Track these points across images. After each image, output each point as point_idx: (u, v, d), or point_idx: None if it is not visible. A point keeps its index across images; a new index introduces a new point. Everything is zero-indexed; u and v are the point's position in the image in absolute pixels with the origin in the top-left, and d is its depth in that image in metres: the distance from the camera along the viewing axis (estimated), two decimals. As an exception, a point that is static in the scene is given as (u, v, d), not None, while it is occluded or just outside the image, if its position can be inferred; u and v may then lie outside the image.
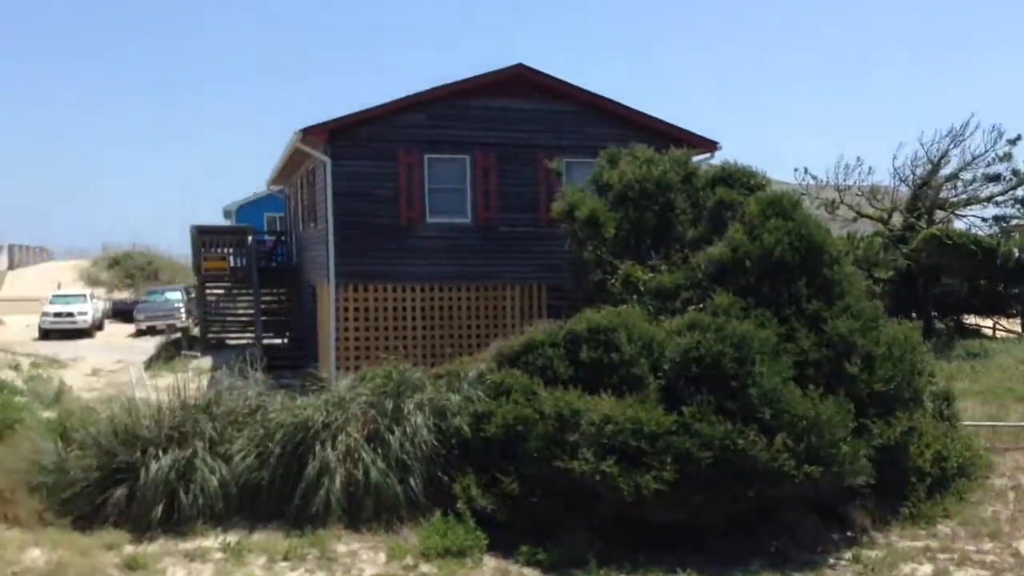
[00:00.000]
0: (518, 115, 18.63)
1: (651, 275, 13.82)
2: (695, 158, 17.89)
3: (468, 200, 18.51)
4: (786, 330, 11.88)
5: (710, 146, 19.28)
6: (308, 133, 17.81)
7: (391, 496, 11.09)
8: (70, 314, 36.56)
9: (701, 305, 12.41)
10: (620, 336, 11.56)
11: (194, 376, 18.77)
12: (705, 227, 14.55)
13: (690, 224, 14.99)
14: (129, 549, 10.14)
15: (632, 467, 10.34)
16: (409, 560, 10.27)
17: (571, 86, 18.74)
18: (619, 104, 18.90)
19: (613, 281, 14.08)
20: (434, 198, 18.33)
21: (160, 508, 10.70)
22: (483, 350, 14.59)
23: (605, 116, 18.91)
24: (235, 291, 27.22)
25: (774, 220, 12.74)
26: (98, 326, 38.72)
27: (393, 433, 11.46)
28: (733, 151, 43.89)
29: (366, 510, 11.02)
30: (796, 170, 20.10)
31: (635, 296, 13.50)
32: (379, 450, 11.35)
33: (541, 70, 18.55)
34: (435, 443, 11.52)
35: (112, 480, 11.03)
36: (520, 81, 18.50)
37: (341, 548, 10.44)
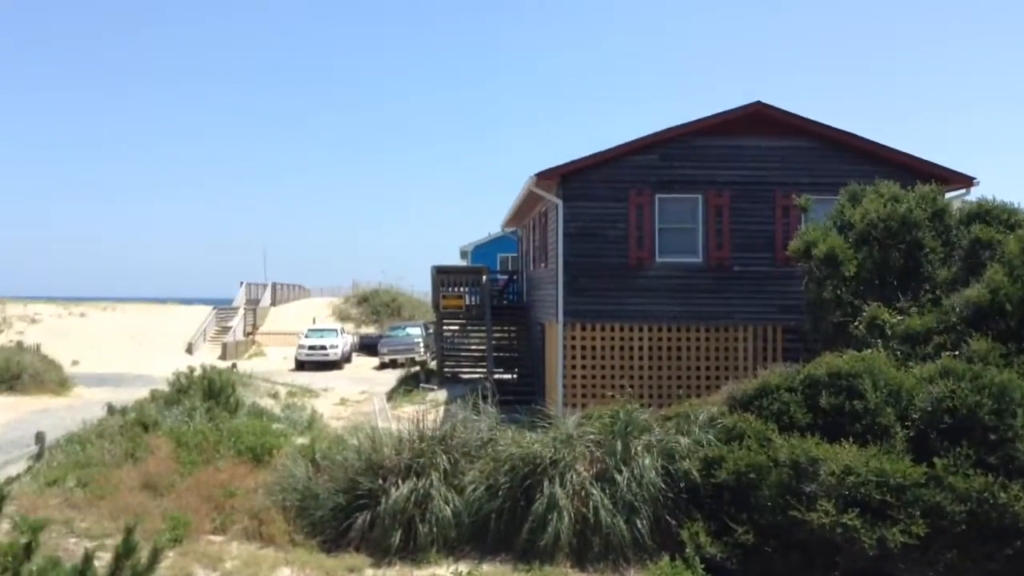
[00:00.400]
0: (754, 153, 18.23)
1: (899, 318, 12.96)
2: (948, 194, 16.71)
3: (699, 239, 18.24)
4: (1054, 381, 10.74)
5: (965, 181, 17.91)
6: (542, 177, 18.29)
7: (618, 536, 10.97)
8: (323, 347, 39.44)
9: (955, 351, 11.47)
10: (864, 382, 10.89)
11: (431, 408, 19.64)
12: (959, 267, 13.51)
13: (941, 264, 13.96)
14: (369, 573, 10.64)
15: (875, 520, 9.69)
16: (636, 604, 10.10)
17: (811, 122, 18.09)
18: (862, 139, 18.02)
19: (856, 324, 13.32)
20: (664, 238, 18.23)
21: (398, 535, 11.16)
22: (713, 392, 14.25)
23: (847, 152, 18.10)
24: (469, 327, 28.29)
25: (1038, 259, 11.61)
26: (347, 358, 41.48)
27: (620, 473, 11.38)
28: (990, 187, 40.45)
29: (593, 549, 10.96)
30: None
31: (880, 340, 12.69)
32: (606, 489, 11.30)
33: (779, 107, 18.05)
34: (662, 485, 11.31)
35: (356, 506, 11.65)
36: (757, 118, 18.10)
37: (568, 586, 10.44)
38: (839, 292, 14.15)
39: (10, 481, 12.53)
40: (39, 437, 14.95)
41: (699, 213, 18.25)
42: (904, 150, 17.93)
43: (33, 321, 45.26)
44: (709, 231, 18.20)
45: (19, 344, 34.80)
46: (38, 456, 14.60)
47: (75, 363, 35.79)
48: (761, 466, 10.57)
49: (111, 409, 18.25)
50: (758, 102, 17.99)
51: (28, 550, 5.18)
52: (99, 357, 39.59)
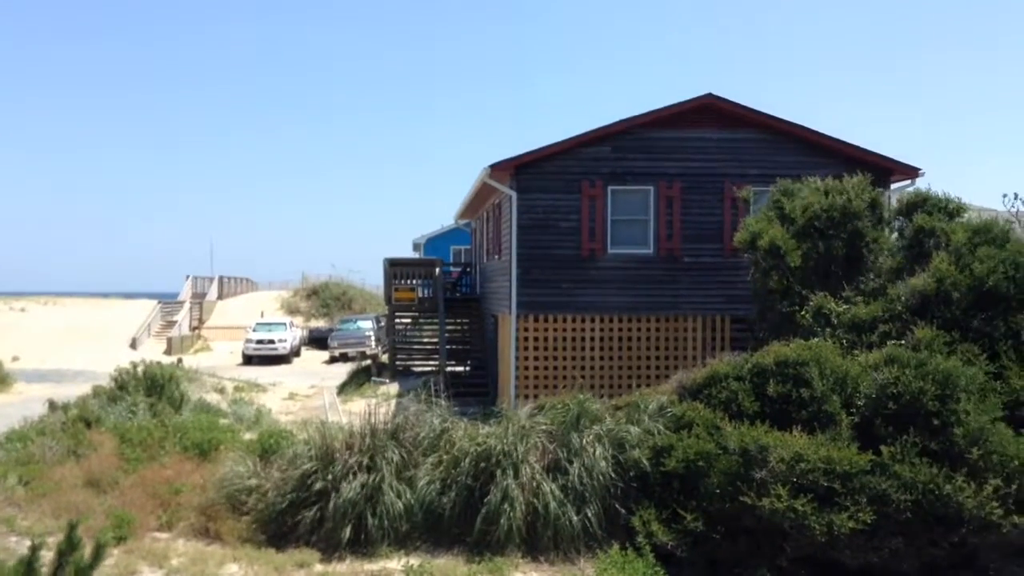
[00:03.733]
0: (705, 144, 18.35)
1: (845, 307, 13.14)
2: (894, 185, 17.07)
3: (651, 231, 18.33)
4: (996, 368, 10.99)
5: (911, 172, 18.18)
6: (496, 168, 18.21)
7: (568, 527, 10.98)
8: (271, 341, 38.95)
9: (901, 340, 11.67)
10: (811, 370, 11.02)
11: (382, 402, 19.46)
12: (903, 256, 13.75)
13: (885, 254, 14.21)
14: (319, 568, 10.51)
15: (824, 507, 9.82)
16: (587, 593, 10.12)
17: (760, 113, 18.24)
18: (810, 130, 18.22)
19: (803, 313, 13.48)
20: (616, 229, 18.28)
21: (349, 529, 11.04)
22: (663, 382, 14.32)
23: (795, 143, 18.30)
24: (422, 320, 28.13)
25: (985, 248, 11.86)
26: (296, 352, 41.01)
27: (572, 464, 11.39)
28: (938, 182, 41.18)
29: (544, 540, 10.96)
30: (1005, 196, 18.51)
31: (827, 329, 12.86)
32: (558, 480, 11.30)
33: (730, 99, 18.16)
34: (612, 475, 11.35)
35: (305, 501, 11.49)
36: (708, 111, 18.21)
37: (519, 577, 10.43)
38: (785, 282, 14.30)
39: (-55, 480, 12.15)
40: (-24, 435, 14.52)
41: (651, 205, 18.32)
42: (852, 142, 18.19)
43: (-29, 317, 44.01)
44: (660, 222, 18.29)
45: (-44, 340, 33.82)
46: (-24, 455, 14.17)
47: (15, 359, 34.89)
48: (710, 454, 10.64)
49: (52, 405, 17.79)
50: (709, 94, 18.09)
51: (-35, 549, 5.00)
52: (40, 353, 38.62)
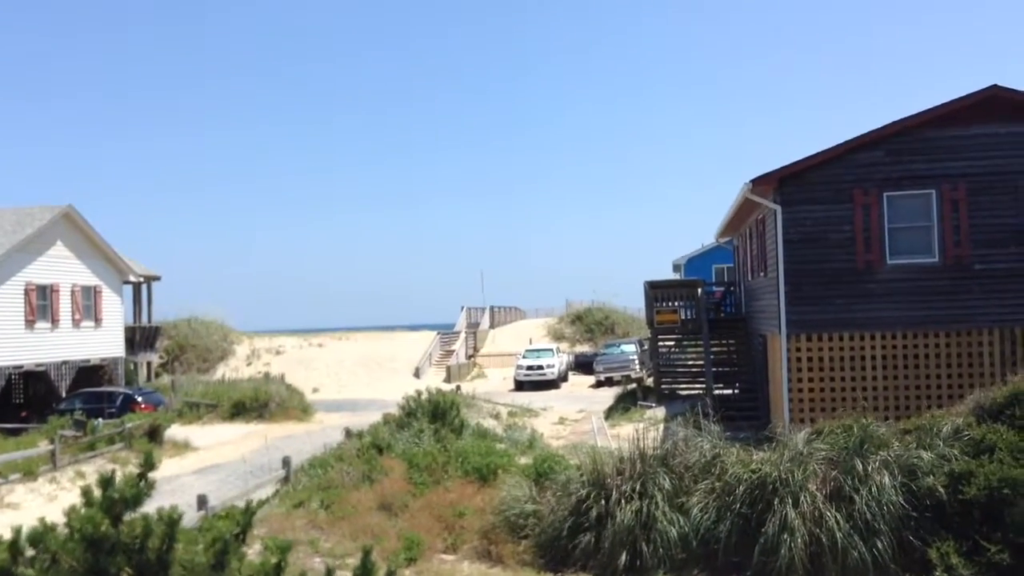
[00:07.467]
0: (993, 141, 16.74)
1: None
2: None
3: (935, 237, 16.93)
4: None
5: None
6: (757, 183, 17.65)
7: (857, 559, 10.40)
8: (540, 367, 40.05)
9: None
10: None
11: (650, 426, 19.38)
12: None
13: None
14: (597, 593, 10.60)
15: None
16: (881, 631, 9.47)
17: (1058, 101, 16.40)
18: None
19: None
20: (895, 238, 17.05)
21: (624, 555, 11.07)
22: (955, 403, 13.28)
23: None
24: (685, 342, 27.76)
25: None
26: (563, 377, 41.88)
27: (857, 492, 10.74)
28: None
29: (828, 571, 10.44)
30: None
31: None
32: (842, 509, 10.71)
33: (1018, 89, 16.50)
34: (903, 504, 10.61)
35: (581, 526, 11.67)
36: (994, 104, 16.62)
37: (806, 611, 9.95)
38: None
39: (260, 504, 13.48)
40: (285, 462, 16.05)
41: (933, 209, 16.95)
42: None
43: (278, 353, 48.82)
44: (945, 228, 16.86)
45: (266, 375, 37.70)
46: (285, 479, 15.67)
47: (315, 390, 38.26)
48: (1017, 480, 9.70)
49: (348, 433, 19.31)
50: (994, 86, 16.54)
51: (278, 570, 5.53)
52: (336, 384, 42.17)
